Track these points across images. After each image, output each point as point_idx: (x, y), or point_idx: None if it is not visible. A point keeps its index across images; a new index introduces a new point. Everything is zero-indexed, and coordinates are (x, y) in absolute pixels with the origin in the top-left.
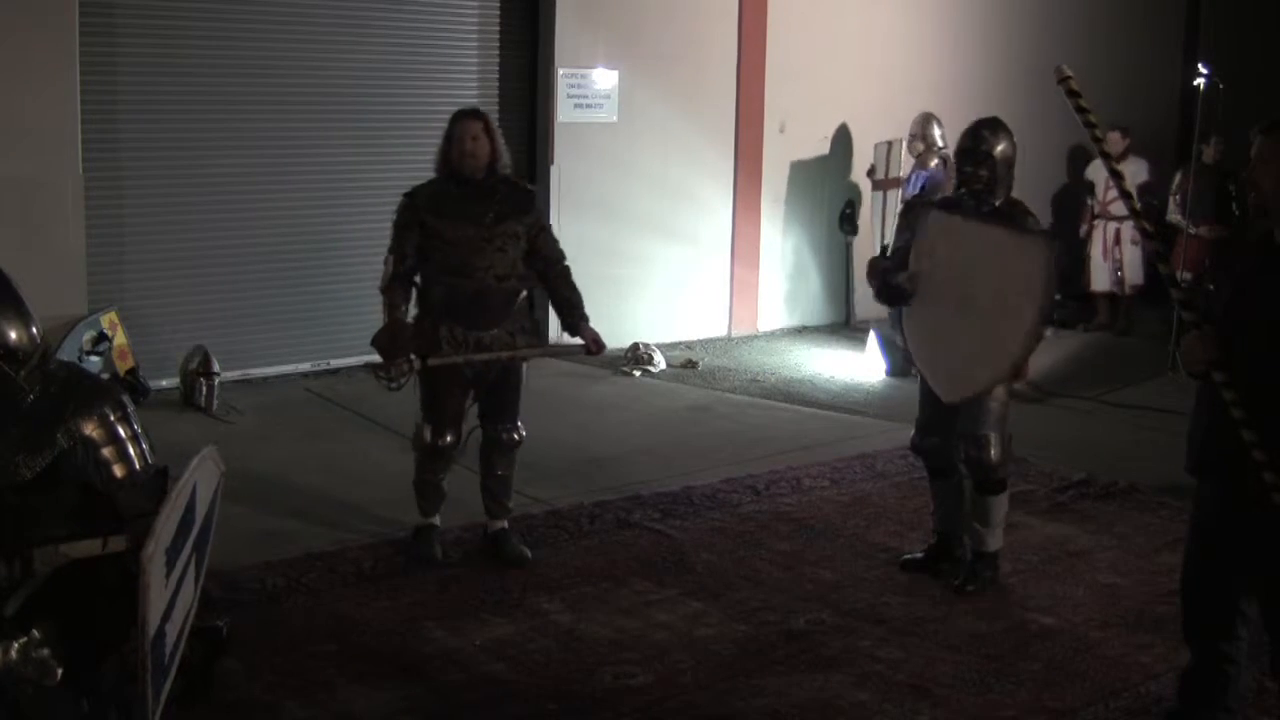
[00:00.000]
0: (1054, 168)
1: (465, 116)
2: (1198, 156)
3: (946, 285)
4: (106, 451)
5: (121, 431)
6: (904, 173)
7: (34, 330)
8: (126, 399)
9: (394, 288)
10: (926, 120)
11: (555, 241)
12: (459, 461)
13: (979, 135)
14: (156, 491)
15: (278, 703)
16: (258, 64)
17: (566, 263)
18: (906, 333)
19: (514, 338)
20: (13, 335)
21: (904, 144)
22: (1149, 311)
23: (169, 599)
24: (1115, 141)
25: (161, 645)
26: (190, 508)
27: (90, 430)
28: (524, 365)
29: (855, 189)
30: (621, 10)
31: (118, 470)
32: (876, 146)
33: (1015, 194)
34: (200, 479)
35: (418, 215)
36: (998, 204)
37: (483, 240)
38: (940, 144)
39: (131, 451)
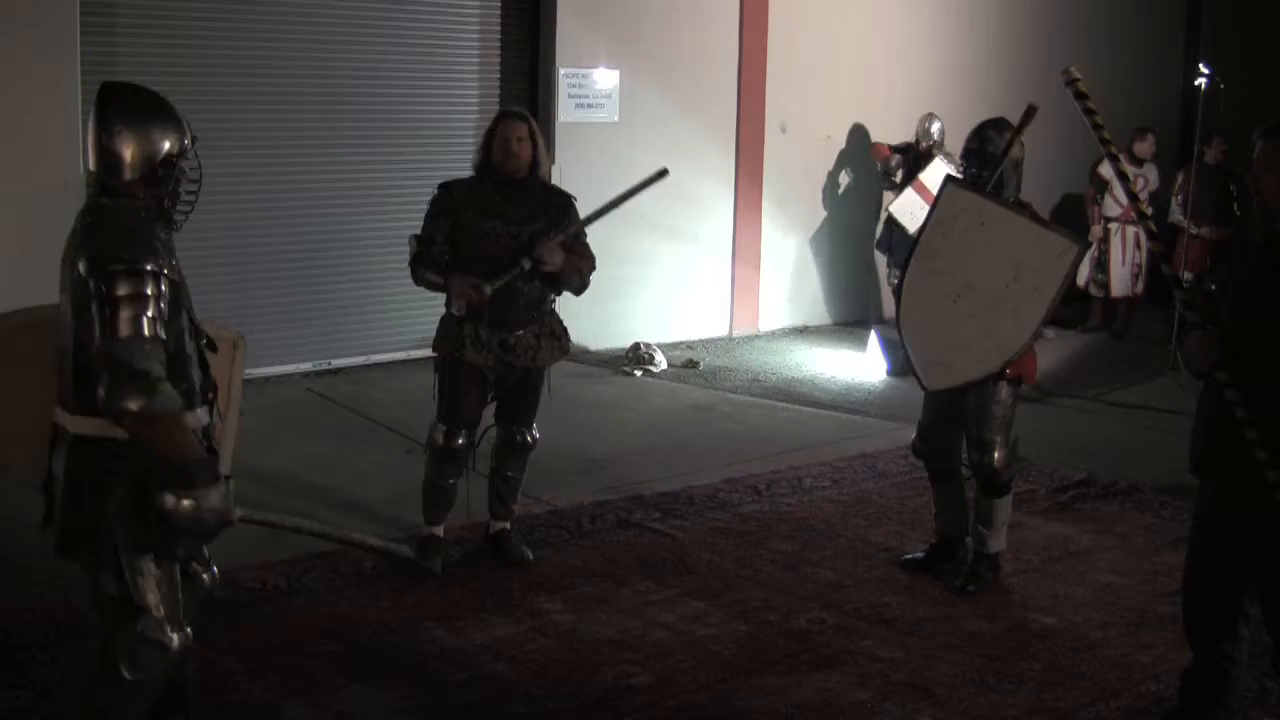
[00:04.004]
0: (1057, 168)
1: (511, 117)
2: (1199, 157)
3: (952, 265)
4: None
5: None
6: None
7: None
8: None
9: (421, 260)
10: (927, 120)
11: (587, 249)
12: (473, 468)
13: (984, 136)
14: None
15: (278, 703)
16: (258, 64)
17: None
18: (900, 309)
19: (539, 340)
20: (166, 145)
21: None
22: (1146, 312)
23: None
24: (1147, 148)
25: None
26: None
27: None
28: (548, 370)
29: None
30: (623, 10)
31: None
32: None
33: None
34: None
35: (452, 205)
36: None
37: (509, 237)
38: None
39: None
